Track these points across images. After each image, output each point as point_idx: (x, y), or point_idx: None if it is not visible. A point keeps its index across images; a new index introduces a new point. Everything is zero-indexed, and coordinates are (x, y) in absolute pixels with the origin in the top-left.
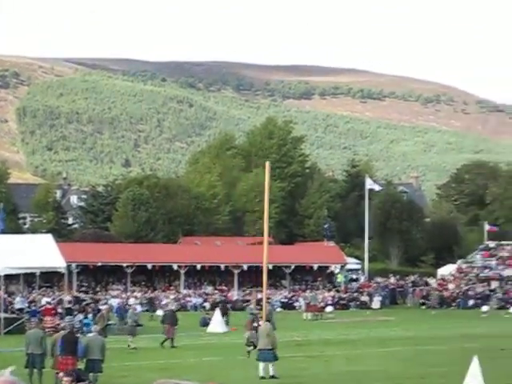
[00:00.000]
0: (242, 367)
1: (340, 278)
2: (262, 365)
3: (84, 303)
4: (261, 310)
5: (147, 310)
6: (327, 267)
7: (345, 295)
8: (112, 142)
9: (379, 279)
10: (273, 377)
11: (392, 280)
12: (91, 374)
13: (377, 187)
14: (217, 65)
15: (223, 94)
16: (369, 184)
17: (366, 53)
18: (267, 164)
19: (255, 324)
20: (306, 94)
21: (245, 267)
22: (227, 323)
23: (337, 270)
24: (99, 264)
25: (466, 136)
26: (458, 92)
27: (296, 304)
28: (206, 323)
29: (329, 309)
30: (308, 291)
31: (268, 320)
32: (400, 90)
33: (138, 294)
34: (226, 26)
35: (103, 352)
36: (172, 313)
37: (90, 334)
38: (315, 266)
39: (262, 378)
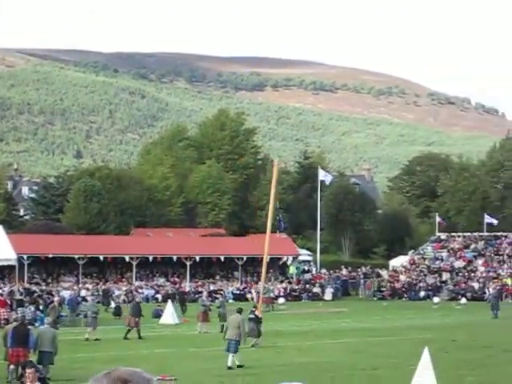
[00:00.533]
0: (193, 359)
1: (292, 270)
2: (230, 356)
3: (35, 295)
4: (213, 301)
5: (98, 302)
6: (279, 259)
7: (297, 287)
8: (64, 133)
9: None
10: (239, 366)
11: (344, 271)
12: (42, 367)
13: (329, 178)
14: (169, 56)
15: (175, 86)
16: (321, 176)
17: (319, 45)
18: (275, 163)
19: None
20: (258, 85)
21: (197, 259)
22: (184, 313)
23: (289, 262)
24: (50, 256)
25: (418, 128)
26: (409, 84)
27: (248, 295)
28: (158, 315)
29: (281, 300)
30: (260, 283)
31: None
32: (352, 82)
33: (90, 286)
34: (179, 17)
35: (54, 344)
36: (137, 304)
37: (42, 327)
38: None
39: (230, 368)
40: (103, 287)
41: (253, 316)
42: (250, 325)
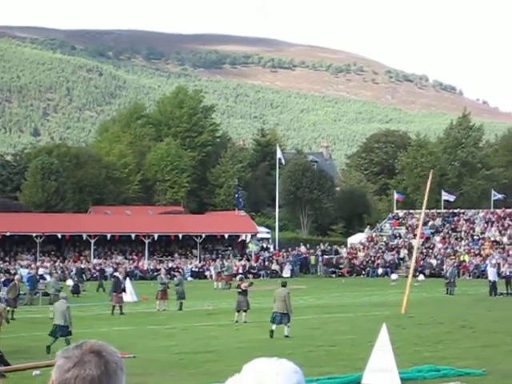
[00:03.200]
0: (152, 337)
1: (251, 247)
2: (274, 326)
3: None
4: (171, 279)
5: (61, 280)
6: (238, 236)
7: (255, 264)
8: (21, 110)
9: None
10: (287, 336)
11: (302, 249)
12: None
13: (283, 160)
14: (127, 33)
15: (133, 63)
16: (279, 154)
17: (277, 23)
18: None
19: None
20: (216, 63)
21: (155, 237)
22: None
23: (248, 239)
24: (8, 234)
25: (376, 106)
26: (367, 62)
27: (207, 273)
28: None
29: (239, 277)
30: (218, 260)
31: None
32: (310, 59)
33: (48, 264)
34: None
35: (66, 317)
36: (118, 280)
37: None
38: (226, 235)
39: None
40: (61, 265)
41: (240, 290)
42: (240, 298)
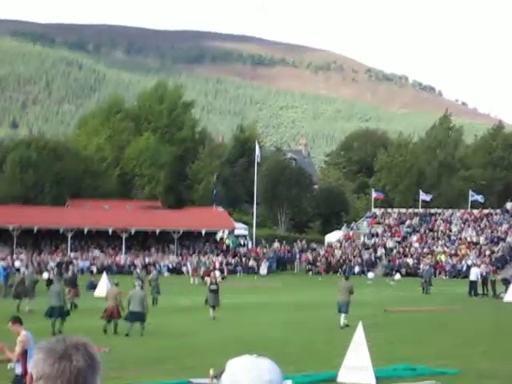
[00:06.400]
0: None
1: (228, 243)
2: (342, 315)
3: None
4: (147, 274)
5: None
6: (215, 232)
7: (232, 260)
8: None
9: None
10: (347, 325)
11: (276, 245)
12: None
13: (258, 159)
14: (107, 28)
15: (113, 57)
16: (258, 151)
17: (258, 20)
18: None
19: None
20: (196, 59)
21: (132, 231)
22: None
23: (225, 236)
24: None
25: (356, 104)
26: (347, 60)
27: (183, 269)
28: (93, 286)
29: (216, 274)
30: (194, 255)
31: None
32: (291, 56)
33: (24, 257)
34: None
35: (144, 305)
36: (73, 275)
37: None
38: (203, 231)
39: (342, 327)
40: (38, 258)
41: (215, 287)
42: (211, 295)
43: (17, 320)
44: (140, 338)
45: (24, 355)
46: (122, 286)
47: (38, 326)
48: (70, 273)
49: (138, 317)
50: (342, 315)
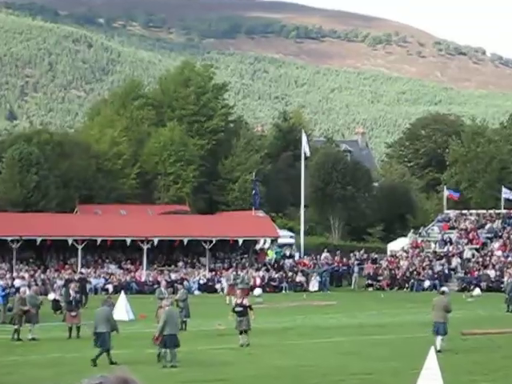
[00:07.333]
0: (153, 362)
1: (271, 255)
2: (438, 338)
3: None
4: (173, 293)
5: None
6: (255, 242)
7: (276, 275)
8: None
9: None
10: (438, 351)
11: (328, 256)
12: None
13: (307, 151)
14: None
15: (129, 32)
16: (305, 142)
17: None
18: None
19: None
20: (229, 32)
21: (155, 242)
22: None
23: (267, 245)
24: None
25: (422, 84)
26: (412, 31)
27: (217, 286)
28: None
29: (257, 291)
30: (230, 270)
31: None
32: (343, 28)
33: (26, 275)
34: None
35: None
36: (67, 291)
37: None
38: (240, 241)
39: (438, 351)
40: (42, 276)
41: (240, 309)
42: (238, 319)
43: None
44: (167, 370)
45: None
46: (144, 308)
47: (40, 358)
48: (72, 291)
49: (175, 341)
50: (439, 338)
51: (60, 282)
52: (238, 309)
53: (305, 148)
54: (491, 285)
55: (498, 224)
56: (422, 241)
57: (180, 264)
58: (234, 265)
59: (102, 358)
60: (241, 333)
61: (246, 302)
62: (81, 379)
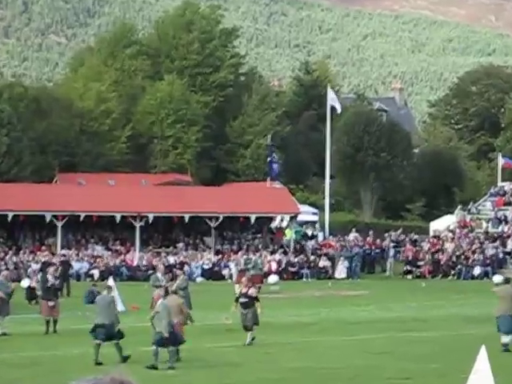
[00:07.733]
0: (148, 361)
1: (289, 235)
2: (506, 337)
3: None
4: (172, 280)
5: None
6: (270, 219)
7: (296, 259)
8: None
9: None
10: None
11: (358, 236)
12: None
13: (338, 107)
14: None
15: None
16: (331, 99)
17: None
18: None
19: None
20: None
21: (150, 218)
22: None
23: (285, 223)
24: None
25: (473, 30)
26: None
27: (224, 272)
28: (93, 298)
29: (272, 279)
30: (240, 253)
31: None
32: None
33: None
34: None
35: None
36: (45, 278)
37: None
38: (253, 217)
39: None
40: (14, 259)
41: (245, 300)
42: (242, 311)
43: None
44: (164, 372)
45: None
46: (137, 297)
47: (13, 357)
48: (51, 277)
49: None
50: (503, 336)
51: (36, 266)
52: (243, 300)
53: (333, 104)
54: None
55: None
56: (472, 219)
57: (180, 245)
58: (245, 247)
59: (103, 355)
60: (246, 329)
61: (252, 291)
62: (66, 381)
